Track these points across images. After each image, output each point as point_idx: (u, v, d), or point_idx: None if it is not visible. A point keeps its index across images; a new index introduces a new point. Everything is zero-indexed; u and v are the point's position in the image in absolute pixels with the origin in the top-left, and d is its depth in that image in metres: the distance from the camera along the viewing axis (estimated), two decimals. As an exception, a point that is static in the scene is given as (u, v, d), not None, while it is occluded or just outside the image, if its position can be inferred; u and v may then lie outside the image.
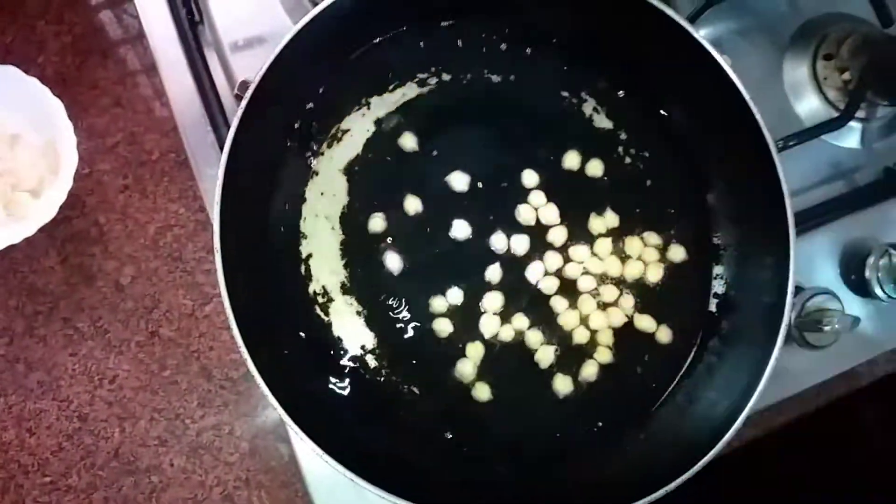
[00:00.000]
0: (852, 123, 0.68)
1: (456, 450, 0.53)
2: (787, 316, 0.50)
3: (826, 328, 0.59)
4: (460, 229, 0.55)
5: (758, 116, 0.54)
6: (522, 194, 0.56)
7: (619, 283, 0.56)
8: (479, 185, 0.56)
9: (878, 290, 0.63)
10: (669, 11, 0.54)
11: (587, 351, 0.55)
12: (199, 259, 0.62)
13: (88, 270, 0.60)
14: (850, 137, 0.69)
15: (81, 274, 0.60)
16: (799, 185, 0.67)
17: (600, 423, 0.54)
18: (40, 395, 0.59)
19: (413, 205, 0.55)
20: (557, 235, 0.56)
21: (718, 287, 0.57)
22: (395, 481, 0.46)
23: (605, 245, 0.56)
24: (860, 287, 0.64)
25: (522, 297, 0.55)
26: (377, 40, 0.55)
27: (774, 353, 0.50)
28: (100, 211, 0.61)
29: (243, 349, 0.45)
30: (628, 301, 0.56)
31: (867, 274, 0.63)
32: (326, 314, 0.53)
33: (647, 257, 0.57)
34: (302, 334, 0.52)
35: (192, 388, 0.60)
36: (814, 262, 0.65)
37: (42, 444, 0.58)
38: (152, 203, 0.62)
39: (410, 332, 0.54)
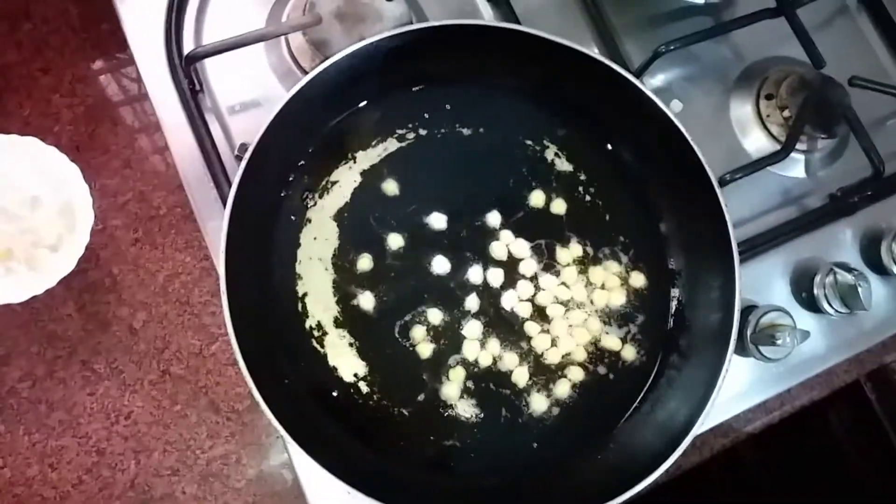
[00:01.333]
0: (796, 155, 0.75)
1: (442, 465, 0.58)
2: (735, 332, 0.56)
3: (779, 342, 0.65)
4: (440, 264, 0.61)
5: (700, 156, 0.60)
6: (495, 231, 0.63)
7: (586, 307, 0.62)
8: (456, 224, 0.62)
9: (826, 306, 0.69)
10: (617, 67, 0.61)
11: (559, 371, 0.61)
12: (205, 302, 0.67)
13: (104, 317, 0.66)
14: (795, 168, 0.76)
15: (97, 320, 0.66)
16: (751, 212, 0.74)
17: (573, 436, 0.59)
18: (61, 433, 0.64)
19: (396, 242, 0.61)
20: (528, 267, 0.62)
21: (675, 307, 0.63)
22: (387, 494, 0.51)
23: (571, 274, 0.63)
24: (810, 304, 0.70)
25: (499, 323, 0.61)
26: (360, 104, 0.62)
27: (725, 366, 0.55)
28: (113, 262, 0.67)
29: (249, 381, 0.50)
30: (595, 324, 0.62)
31: (815, 291, 0.69)
32: (322, 346, 0.58)
33: (609, 284, 0.63)
34: (301, 364, 0.58)
35: (201, 420, 0.65)
36: (767, 281, 0.71)
37: (63, 478, 0.63)
38: (161, 253, 0.68)
39: (399, 360, 0.59)
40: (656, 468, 0.53)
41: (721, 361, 0.55)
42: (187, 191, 0.66)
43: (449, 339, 0.60)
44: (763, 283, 0.71)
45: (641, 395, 0.61)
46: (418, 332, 0.60)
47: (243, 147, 0.54)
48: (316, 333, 0.59)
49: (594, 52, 0.61)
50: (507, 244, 0.63)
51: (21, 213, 0.65)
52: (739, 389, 0.69)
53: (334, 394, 0.58)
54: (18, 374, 0.64)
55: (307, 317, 0.58)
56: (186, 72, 0.65)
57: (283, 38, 0.68)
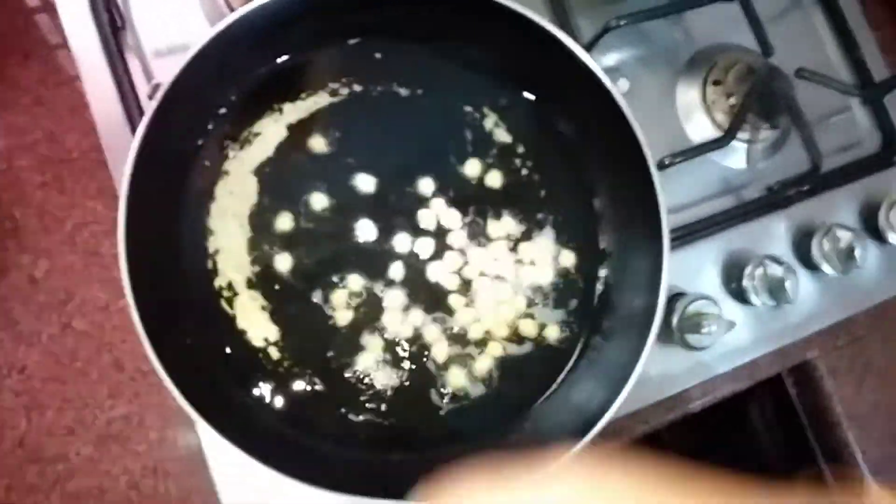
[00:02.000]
0: (738, 144, 0.75)
1: (354, 436, 0.56)
2: (659, 317, 0.55)
3: (704, 331, 0.64)
4: (365, 229, 0.59)
5: (640, 136, 0.58)
6: (426, 199, 0.60)
7: (513, 283, 0.61)
8: (386, 188, 0.60)
9: (753, 298, 0.69)
10: (563, 35, 0.58)
11: (480, 346, 0.59)
12: (116, 255, 0.63)
13: (2, 263, 0.61)
14: (736, 157, 0.75)
15: (-6, 266, 0.62)
16: (689, 199, 0.73)
17: (488, 413, 0.58)
18: (-54, 384, 0.60)
19: (320, 202, 0.58)
20: (457, 238, 0.60)
21: (602, 288, 0.61)
22: (289, 465, 0.49)
23: (501, 248, 0.61)
24: (738, 294, 0.70)
25: (423, 294, 0.59)
26: (290, 53, 0.59)
27: (645, 350, 0.54)
28: (16, 205, 0.63)
29: (143, 337, 0.47)
30: (521, 301, 0.60)
31: (744, 282, 0.69)
32: (231, 307, 0.55)
33: (539, 261, 0.61)
34: (207, 326, 0.54)
35: (102, 378, 0.62)
36: (698, 269, 0.71)
37: (-54, 432, 0.59)
38: (70, 200, 0.64)
39: (314, 327, 0.57)
40: (568, 450, 0.52)
41: (642, 345, 0.54)
42: (101, 134, 0.62)
43: (369, 307, 0.58)
44: (693, 271, 0.70)
45: (561, 375, 0.59)
46: (337, 299, 0.57)
47: (156, 86, 0.50)
48: (226, 294, 0.55)
49: (542, 19, 0.58)
50: (437, 213, 0.60)
51: (-87, 144, 0.60)
52: (661, 376, 0.68)
53: (241, 359, 0.55)
54: None
55: (216, 275, 0.55)
56: (107, 4, 0.60)
57: (216, -22, 0.64)
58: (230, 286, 0.56)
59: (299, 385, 0.56)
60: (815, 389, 0.79)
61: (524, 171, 0.62)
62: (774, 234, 0.73)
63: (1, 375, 0.60)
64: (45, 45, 0.65)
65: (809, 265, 0.72)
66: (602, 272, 0.62)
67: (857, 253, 0.69)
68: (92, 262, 0.63)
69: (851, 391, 0.79)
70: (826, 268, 0.71)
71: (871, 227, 0.75)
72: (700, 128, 0.75)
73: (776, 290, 0.67)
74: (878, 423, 0.80)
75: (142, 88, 0.61)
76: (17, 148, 0.63)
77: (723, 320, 0.64)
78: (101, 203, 0.64)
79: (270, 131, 0.58)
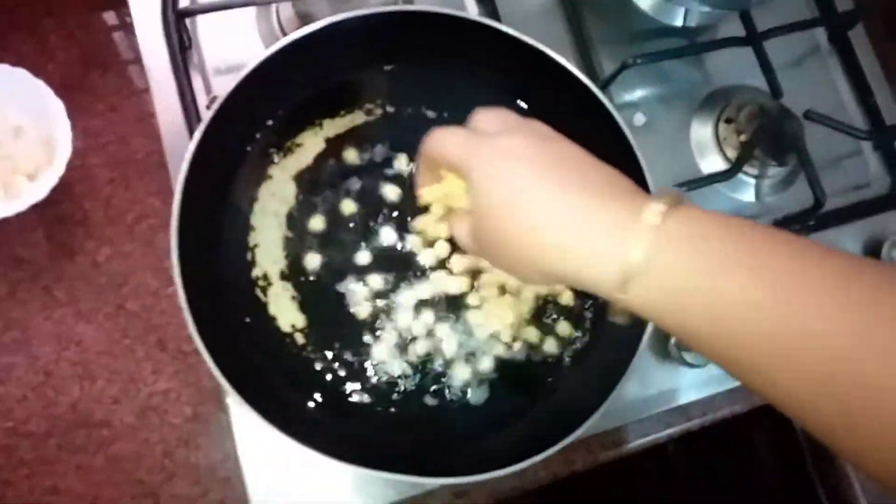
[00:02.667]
0: (747, 179, 0.79)
1: (369, 419, 0.62)
2: (647, 337, 0.59)
3: (700, 348, 0.68)
4: (388, 235, 0.65)
5: (647, 175, 0.63)
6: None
7: (522, 291, 0.66)
8: (409, 199, 0.66)
9: (753, 323, 0.72)
10: (581, 76, 0.64)
11: (486, 346, 0.64)
12: (169, 247, 0.71)
13: (70, 247, 0.70)
14: (746, 191, 0.80)
15: (64, 250, 0.70)
16: (698, 228, 0.77)
17: (487, 409, 0.63)
18: (14, 350, 0.67)
19: (349, 208, 0.64)
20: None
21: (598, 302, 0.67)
22: (314, 440, 0.55)
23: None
24: (739, 319, 0.74)
25: (434, 295, 0.65)
26: (332, 75, 0.66)
27: (633, 362, 0.59)
28: (86, 198, 0.71)
29: (188, 317, 0.54)
30: (526, 307, 0.66)
31: (745, 308, 0.73)
32: (265, 295, 0.62)
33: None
34: (242, 309, 0.61)
35: (148, 356, 0.69)
36: (701, 294, 0.75)
37: (9, 392, 0.66)
38: (133, 195, 0.72)
39: (336, 318, 0.63)
40: (554, 445, 0.56)
41: (629, 360, 0.59)
42: (163, 139, 0.70)
43: (386, 304, 0.64)
44: (697, 294, 0.74)
45: (555, 379, 0.65)
46: (358, 295, 0.63)
47: (214, 98, 0.57)
48: (261, 283, 0.62)
49: (561, 57, 0.64)
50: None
51: (3, 140, 0.69)
52: (659, 391, 0.72)
53: (270, 342, 0.61)
54: (-19, 290, 0.68)
55: (255, 266, 0.62)
56: (178, 27, 0.69)
57: (273, 8, 0.72)
58: (265, 276, 0.62)
59: (322, 370, 0.62)
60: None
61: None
62: (777, 265, 0.77)
63: (61, 347, 0.68)
64: (121, 60, 0.74)
65: (811, 296, 0.76)
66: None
67: (856, 287, 0.72)
68: (147, 252, 0.71)
69: (853, 423, 0.81)
70: (827, 300, 0.74)
71: (874, 264, 0.78)
72: (712, 162, 0.79)
73: (774, 317, 0.71)
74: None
75: (202, 101, 0.70)
76: (91, 148, 0.72)
77: (719, 340, 0.68)
78: (160, 200, 0.72)
79: (310, 143, 0.65)
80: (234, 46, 0.72)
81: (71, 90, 0.72)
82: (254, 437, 0.65)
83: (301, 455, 0.61)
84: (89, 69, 0.74)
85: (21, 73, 0.67)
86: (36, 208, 0.67)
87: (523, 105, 0.70)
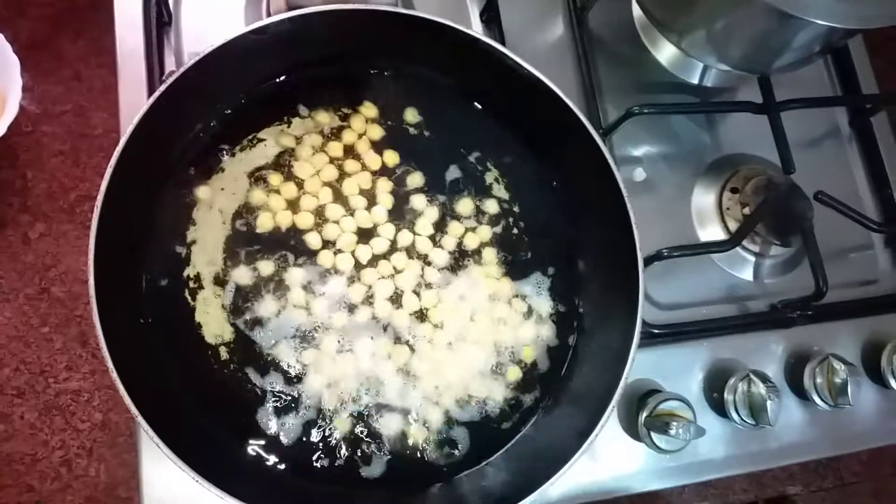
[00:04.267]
0: (747, 256, 0.73)
1: (285, 458, 0.55)
2: (616, 395, 0.53)
3: (671, 432, 0.61)
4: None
5: (635, 232, 0.57)
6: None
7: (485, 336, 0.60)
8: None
9: (732, 412, 0.66)
10: (584, 120, 0.59)
11: (436, 399, 0.57)
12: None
13: (2, 217, 0.64)
14: (745, 269, 0.74)
15: (-7, 218, 0.64)
16: (689, 299, 0.72)
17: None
18: (-85, 320, 0.61)
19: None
20: (433, 276, 0.60)
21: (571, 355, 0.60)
22: (210, 470, 0.48)
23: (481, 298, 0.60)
24: (718, 406, 0.67)
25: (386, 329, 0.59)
26: (308, 70, 0.61)
27: (597, 429, 0.52)
28: (30, 167, 0.65)
29: (93, 300, 0.48)
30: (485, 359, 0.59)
31: (726, 394, 0.66)
32: (193, 299, 0.56)
33: (511, 319, 0.60)
34: (165, 312, 0.55)
35: (65, 349, 0.62)
36: (681, 370, 0.68)
37: None
38: (81, 172, 0.66)
39: (270, 339, 0.56)
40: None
41: (595, 423, 0.52)
42: (121, 116, 0.64)
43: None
44: (676, 370, 0.68)
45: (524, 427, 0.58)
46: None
47: (170, 73, 0.52)
48: (192, 284, 0.56)
49: (564, 95, 0.59)
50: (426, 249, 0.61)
51: (-49, 92, 0.63)
52: (626, 472, 0.65)
53: (189, 351, 0.54)
54: None
55: (188, 265, 0.56)
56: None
57: (264, -3, 0.67)
58: (197, 278, 0.56)
59: (240, 390, 0.55)
60: (791, 527, 0.74)
61: (515, 231, 0.62)
62: (768, 352, 0.70)
63: (-31, 324, 0.61)
64: (96, 28, 0.69)
65: (799, 392, 0.69)
66: (571, 339, 0.60)
67: (850, 389, 0.66)
68: (84, 236, 0.63)
69: (830, 538, 0.74)
70: (816, 398, 0.68)
71: (871, 367, 0.72)
72: (711, 232, 0.74)
73: (757, 409, 0.64)
74: (852, 580, 0.74)
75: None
76: (46, 115, 0.66)
77: (693, 425, 0.61)
78: (110, 182, 0.66)
79: (274, 140, 0.60)
80: (215, 31, 0.66)
81: (36, 50, 0.67)
82: (162, 458, 0.58)
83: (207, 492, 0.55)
84: (60, 31, 0.68)
85: (-20, 23, 0.62)
86: (-29, 170, 0.62)
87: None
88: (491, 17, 0.72)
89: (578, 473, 0.63)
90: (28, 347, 0.62)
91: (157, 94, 0.51)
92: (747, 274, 0.74)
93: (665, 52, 0.78)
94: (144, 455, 0.58)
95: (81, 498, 0.60)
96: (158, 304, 0.55)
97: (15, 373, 0.61)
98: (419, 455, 0.56)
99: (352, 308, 0.58)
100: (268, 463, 0.54)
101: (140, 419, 0.46)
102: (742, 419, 0.65)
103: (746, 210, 0.72)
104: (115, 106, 0.67)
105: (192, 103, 0.55)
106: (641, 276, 0.56)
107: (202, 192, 0.57)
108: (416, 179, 0.62)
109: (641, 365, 0.65)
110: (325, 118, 0.61)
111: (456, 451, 0.57)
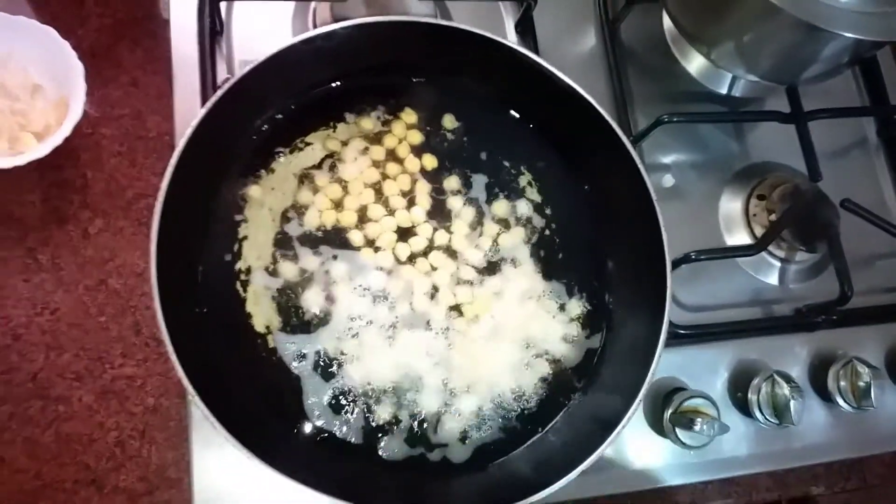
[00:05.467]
0: (773, 261, 0.75)
1: (330, 440, 0.58)
2: (639, 400, 0.55)
3: (696, 428, 0.63)
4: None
5: (664, 235, 0.60)
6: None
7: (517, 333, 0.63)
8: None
9: (756, 411, 0.68)
10: (613, 124, 0.61)
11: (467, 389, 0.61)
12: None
13: (63, 213, 0.68)
14: (770, 274, 0.76)
15: (57, 214, 0.68)
16: (715, 301, 0.74)
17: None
18: (-16, 307, 0.65)
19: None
20: (468, 273, 0.63)
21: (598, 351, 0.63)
22: (269, 454, 0.51)
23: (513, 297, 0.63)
24: (742, 405, 0.69)
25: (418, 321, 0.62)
26: (354, 78, 0.65)
27: (625, 420, 0.54)
28: (90, 167, 0.69)
29: (155, 291, 0.51)
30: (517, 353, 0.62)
31: (750, 394, 0.68)
32: (244, 290, 0.59)
33: (541, 315, 0.63)
34: (219, 301, 0.59)
35: (120, 337, 0.66)
36: (707, 370, 0.70)
37: (-29, 350, 0.64)
38: (137, 172, 0.70)
39: (314, 329, 0.60)
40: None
41: (621, 416, 0.54)
42: (176, 120, 0.69)
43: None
44: (702, 370, 0.70)
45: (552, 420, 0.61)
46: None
47: (226, 80, 0.56)
48: (243, 277, 0.59)
49: (597, 104, 0.62)
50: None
51: (20, 95, 0.67)
52: (651, 467, 0.67)
53: (241, 339, 0.58)
54: (-36, 241, 0.66)
55: (239, 258, 0.59)
56: (212, 10, 0.68)
57: (311, 6, 0.71)
58: (248, 271, 0.60)
59: (286, 378, 0.59)
60: (815, 527, 0.75)
61: (547, 232, 0.65)
62: (793, 354, 0.72)
63: (34, 312, 0.65)
64: (152, 37, 0.73)
65: (823, 394, 0.71)
66: (600, 337, 0.63)
67: (873, 392, 0.68)
68: (140, 232, 0.68)
69: (852, 539, 0.75)
70: (839, 399, 0.69)
71: (894, 371, 0.73)
72: (738, 238, 0.76)
73: (780, 409, 0.66)
74: (874, 581, 0.75)
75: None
76: (105, 118, 0.71)
77: (717, 422, 0.63)
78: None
79: (321, 143, 0.63)
80: (264, 40, 0.71)
81: (96, 58, 0.71)
82: (211, 442, 0.61)
83: (255, 470, 0.58)
84: (119, 40, 0.73)
85: (49, 32, 0.66)
86: (38, 169, 0.66)
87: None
88: (526, 28, 0.75)
89: (605, 467, 0.66)
90: (86, 335, 0.66)
91: (213, 100, 0.54)
92: (773, 279, 0.76)
93: (694, 63, 0.81)
94: (195, 438, 0.61)
95: (134, 477, 0.64)
96: (212, 295, 0.58)
97: (75, 358, 0.65)
98: (449, 443, 0.59)
99: (391, 302, 0.61)
100: (312, 445, 0.57)
101: (196, 399, 0.49)
102: (766, 418, 0.67)
103: (773, 217, 0.74)
104: (168, 110, 0.71)
105: (244, 108, 0.58)
106: (669, 277, 0.58)
107: (253, 191, 0.61)
108: (452, 182, 0.65)
109: (668, 364, 0.68)
110: (368, 124, 0.64)
111: (486, 441, 0.60)
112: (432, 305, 0.61)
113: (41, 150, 0.64)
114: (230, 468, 0.61)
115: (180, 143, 0.53)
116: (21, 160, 0.63)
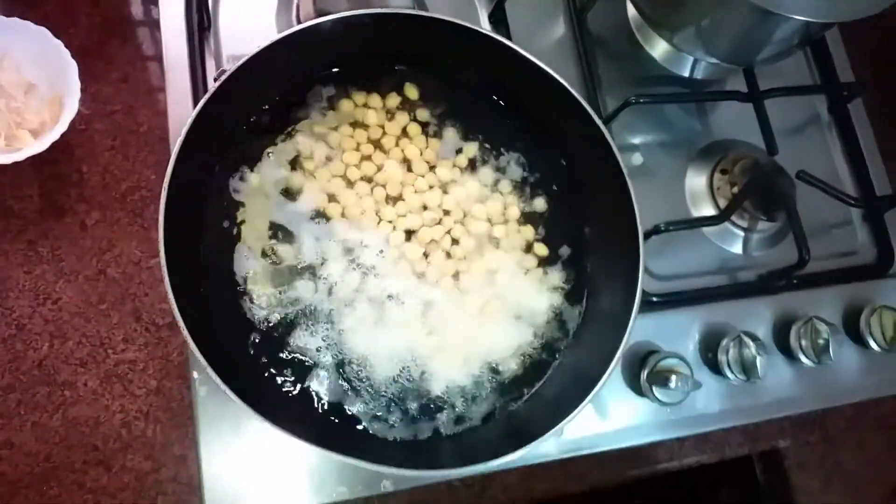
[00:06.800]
0: (736, 231, 0.80)
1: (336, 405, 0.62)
2: (617, 358, 0.59)
3: (671, 385, 0.68)
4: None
5: (635, 205, 0.64)
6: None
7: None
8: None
9: (726, 370, 0.72)
10: (587, 106, 0.65)
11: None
12: (157, 220, 0.71)
13: (61, 206, 0.70)
14: (734, 243, 0.81)
15: (54, 208, 0.70)
16: (684, 270, 0.79)
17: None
18: (-12, 300, 0.67)
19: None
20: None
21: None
22: (277, 418, 0.54)
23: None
24: (713, 365, 0.74)
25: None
26: (339, 70, 0.68)
27: (607, 372, 0.59)
28: (85, 161, 0.72)
29: (165, 275, 0.54)
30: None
31: (719, 354, 0.73)
32: (245, 269, 0.62)
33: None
34: (220, 280, 0.62)
35: (121, 323, 0.69)
36: (679, 333, 0.75)
37: (-23, 341, 0.66)
38: (130, 165, 0.72)
39: (313, 304, 0.63)
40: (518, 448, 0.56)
41: (601, 374, 0.59)
42: (169, 114, 0.71)
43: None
44: (674, 333, 0.74)
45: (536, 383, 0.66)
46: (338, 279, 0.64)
47: (223, 72, 0.59)
48: (245, 257, 0.63)
49: (570, 86, 0.66)
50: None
51: (15, 94, 0.70)
52: (631, 426, 0.72)
53: (243, 317, 0.61)
54: (-35, 235, 0.68)
55: (239, 241, 0.63)
56: (199, 6, 0.71)
57: (294, 4, 0.74)
58: (248, 251, 0.63)
59: (291, 347, 0.62)
60: (783, 479, 0.81)
61: (530, 202, 0.70)
62: (757, 316, 0.77)
63: (37, 303, 0.68)
64: (141, 33, 0.76)
65: (786, 352, 0.76)
66: (581, 304, 0.68)
67: (832, 347, 0.73)
68: (135, 222, 0.71)
69: (818, 487, 0.81)
70: (802, 357, 0.74)
71: (851, 328, 0.78)
72: (704, 210, 0.81)
73: (748, 366, 0.71)
74: (839, 524, 0.81)
75: (211, 83, 0.71)
76: (97, 114, 0.73)
77: (690, 379, 0.68)
78: (155, 173, 0.73)
79: (309, 130, 0.67)
80: (249, 35, 0.73)
81: (87, 55, 0.73)
82: (215, 418, 0.64)
83: (259, 442, 0.62)
84: (108, 37, 0.75)
85: (42, 32, 0.68)
86: (34, 165, 0.69)
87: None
88: (498, 18, 0.79)
89: (587, 426, 0.70)
90: (88, 322, 0.68)
91: (209, 92, 0.58)
92: (737, 248, 0.81)
93: (658, 49, 0.85)
94: (201, 414, 0.64)
95: (141, 456, 0.66)
96: (215, 275, 0.61)
97: (78, 345, 0.68)
98: (440, 407, 0.63)
99: (385, 277, 0.64)
100: (313, 413, 0.61)
101: (210, 370, 0.52)
102: (735, 375, 0.72)
103: (735, 189, 0.79)
104: (159, 106, 0.74)
105: (238, 99, 0.61)
106: (642, 246, 0.63)
107: (250, 177, 0.64)
108: (443, 160, 0.69)
109: (642, 329, 0.73)
110: (354, 109, 0.68)
111: (476, 404, 0.64)
112: (426, 276, 0.65)
113: (39, 145, 0.66)
114: (235, 442, 0.64)
115: (180, 135, 0.56)
116: (20, 156, 0.65)
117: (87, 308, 0.69)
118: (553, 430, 0.57)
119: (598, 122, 0.65)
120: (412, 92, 0.70)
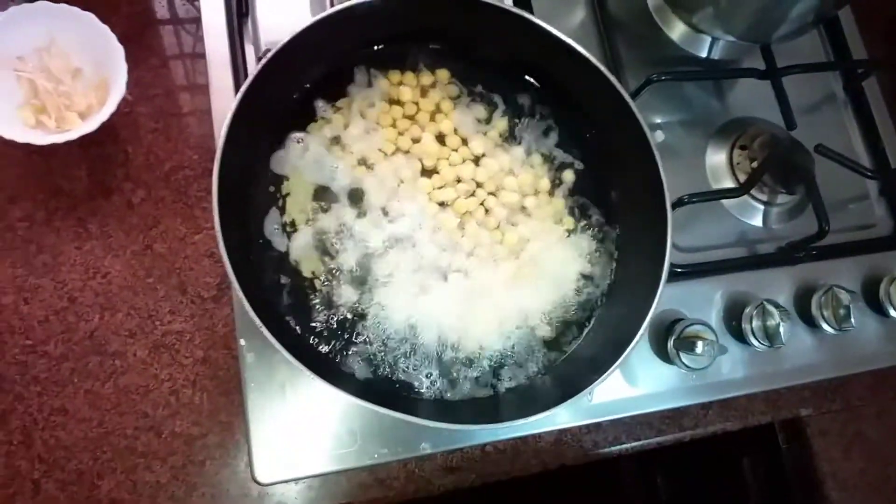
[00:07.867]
0: (757, 204, 0.83)
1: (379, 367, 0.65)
2: (646, 325, 0.62)
3: (698, 351, 0.70)
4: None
5: (663, 176, 0.67)
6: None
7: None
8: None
9: (750, 337, 0.75)
10: (615, 82, 0.68)
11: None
12: (200, 197, 0.74)
13: (108, 185, 0.73)
14: (754, 216, 0.83)
15: (102, 187, 0.73)
16: (706, 243, 0.81)
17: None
18: (42, 273, 0.70)
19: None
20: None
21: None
22: (324, 374, 0.57)
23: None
24: (737, 333, 0.76)
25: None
26: (377, 45, 0.71)
27: (636, 338, 0.61)
28: (130, 143, 0.75)
29: (221, 244, 0.57)
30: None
31: (743, 322, 0.75)
32: (289, 239, 0.65)
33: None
34: (269, 251, 0.65)
35: (168, 296, 0.72)
36: (702, 302, 0.77)
37: (32, 312, 0.69)
38: (173, 146, 0.75)
39: (354, 272, 0.66)
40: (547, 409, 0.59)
41: (631, 338, 0.61)
42: (211, 95, 0.74)
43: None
44: (698, 302, 0.77)
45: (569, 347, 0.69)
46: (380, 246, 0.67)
47: (266, 51, 0.62)
48: (288, 229, 0.66)
49: (599, 63, 0.69)
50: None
51: (63, 78, 0.73)
52: (658, 391, 0.74)
53: (291, 284, 0.64)
54: (20, 213, 0.71)
55: (284, 213, 0.66)
56: (238, -7, 0.74)
57: (328, -8, 0.77)
58: (293, 224, 0.66)
59: (335, 311, 0.65)
60: (804, 446, 0.83)
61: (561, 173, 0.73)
62: (778, 285, 0.80)
63: (87, 276, 0.71)
64: (181, 21, 0.79)
65: (808, 320, 0.78)
66: (610, 273, 0.70)
67: (852, 313, 0.75)
68: (179, 199, 0.74)
69: (839, 455, 0.83)
70: (823, 324, 0.77)
71: (871, 297, 0.81)
72: (724, 184, 0.83)
73: (771, 332, 0.73)
74: (861, 490, 0.83)
75: (251, 67, 0.74)
76: (140, 98, 0.76)
77: (716, 343, 0.71)
78: (197, 153, 0.76)
79: (347, 107, 0.70)
80: (285, 21, 0.77)
81: (129, 42, 0.76)
82: (263, 383, 0.67)
83: (304, 406, 0.65)
84: (148, 25, 0.78)
85: (89, 18, 0.71)
86: (82, 146, 0.72)
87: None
88: (523, 2, 0.81)
89: (616, 391, 0.73)
90: (136, 295, 0.71)
91: (257, 69, 0.60)
92: (757, 220, 0.83)
93: (676, 30, 0.88)
94: (248, 377, 0.67)
95: (188, 422, 0.69)
96: (263, 245, 0.65)
97: (127, 317, 0.71)
98: (482, 369, 0.66)
99: (422, 246, 0.67)
100: (354, 378, 0.64)
101: (264, 329, 0.55)
102: (759, 341, 0.74)
103: (754, 164, 0.82)
104: (199, 89, 0.77)
105: (283, 77, 0.64)
106: (669, 212, 0.65)
107: (292, 152, 0.67)
108: (476, 135, 0.72)
109: (667, 298, 0.75)
110: (389, 87, 0.71)
111: (514, 366, 0.66)
112: (461, 245, 0.68)
113: (89, 125, 0.69)
114: (280, 408, 0.67)
115: (229, 113, 0.59)
116: (72, 135, 0.68)
117: (135, 282, 0.72)
118: (594, 384, 0.59)
119: (626, 96, 0.67)
120: (444, 70, 0.72)
